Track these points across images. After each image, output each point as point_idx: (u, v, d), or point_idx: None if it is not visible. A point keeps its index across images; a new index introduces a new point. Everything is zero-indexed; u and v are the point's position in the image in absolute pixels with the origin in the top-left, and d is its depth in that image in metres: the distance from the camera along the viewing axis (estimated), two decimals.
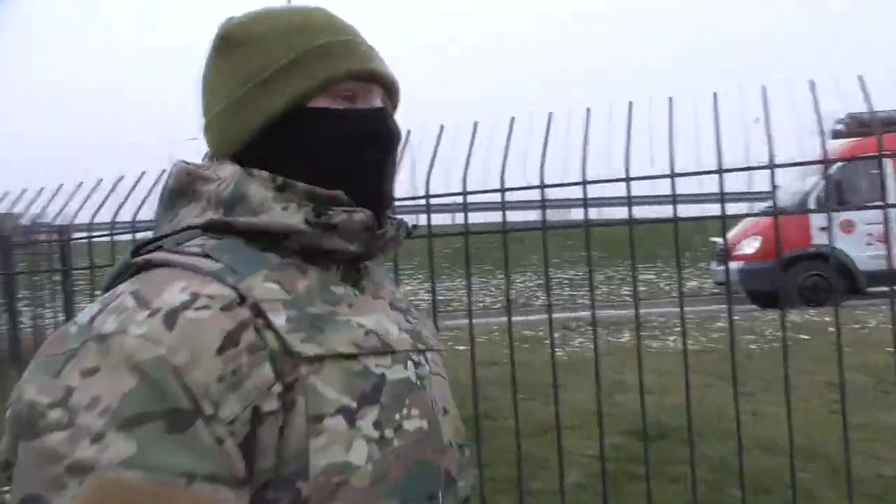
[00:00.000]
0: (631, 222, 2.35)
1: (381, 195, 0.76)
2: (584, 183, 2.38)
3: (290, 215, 0.70)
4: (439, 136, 2.52)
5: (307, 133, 0.73)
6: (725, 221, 2.49)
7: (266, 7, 0.79)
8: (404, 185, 2.69)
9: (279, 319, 0.64)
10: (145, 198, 2.91)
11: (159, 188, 0.87)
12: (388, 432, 0.67)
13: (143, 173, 2.94)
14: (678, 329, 8.00)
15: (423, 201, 2.58)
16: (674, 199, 2.35)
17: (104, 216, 3.14)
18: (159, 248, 0.69)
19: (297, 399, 0.63)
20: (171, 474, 0.56)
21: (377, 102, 0.76)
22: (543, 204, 2.55)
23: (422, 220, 2.45)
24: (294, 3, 0.82)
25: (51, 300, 6.29)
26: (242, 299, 0.64)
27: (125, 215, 3.04)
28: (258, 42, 0.75)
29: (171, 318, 0.60)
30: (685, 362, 2.33)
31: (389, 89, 0.79)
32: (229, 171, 0.72)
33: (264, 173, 0.72)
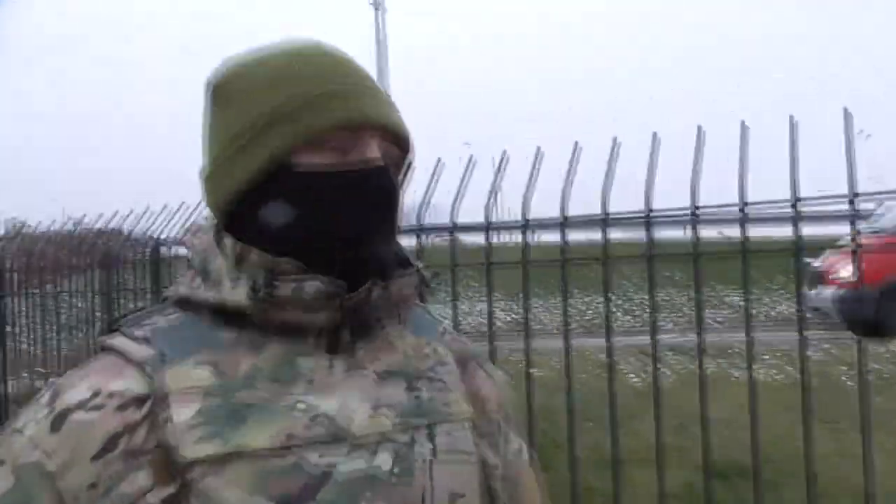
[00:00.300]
0: (696, 255, 2.26)
1: (365, 259, 0.69)
2: (649, 213, 2.30)
3: (235, 291, 0.66)
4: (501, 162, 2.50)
5: (285, 193, 0.68)
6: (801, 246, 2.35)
7: (259, 49, 0.74)
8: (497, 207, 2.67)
9: (184, 414, 0.61)
10: None
11: None
12: None
13: None
14: (765, 357, 7.61)
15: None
16: (742, 222, 2.23)
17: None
18: (128, 324, 0.69)
19: (202, 494, 0.59)
20: None
21: (370, 153, 0.69)
22: (649, 222, 2.41)
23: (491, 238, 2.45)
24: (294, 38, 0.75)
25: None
26: (149, 395, 0.63)
27: None
28: (243, 96, 0.70)
29: (59, 420, 0.61)
30: (750, 394, 2.18)
31: (395, 135, 0.72)
32: (203, 239, 0.71)
33: (230, 242, 0.69)
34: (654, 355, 2.46)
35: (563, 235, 2.50)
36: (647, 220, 2.38)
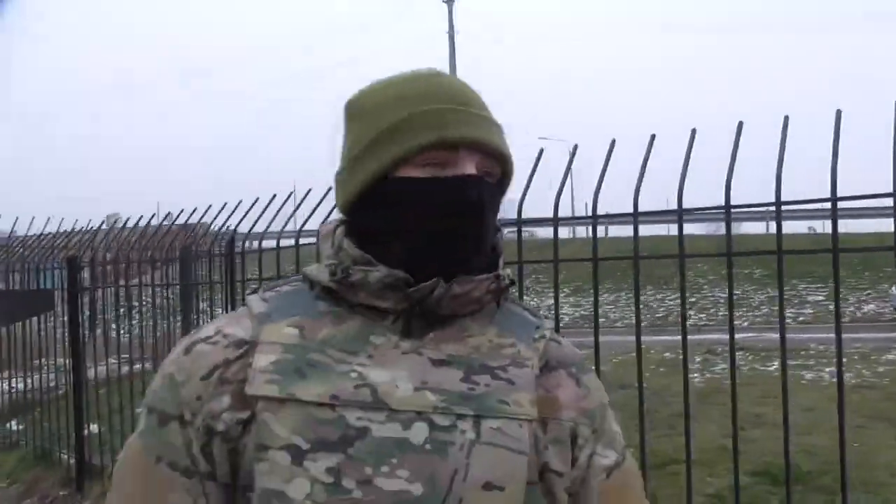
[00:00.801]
0: (780, 252, 2.11)
1: (453, 258, 0.78)
2: (728, 208, 2.25)
3: (322, 272, 0.81)
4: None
5: (382, 198, 0.80)
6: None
7: (389, 77, 0.85)
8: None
9: (262, 361, 0.76)
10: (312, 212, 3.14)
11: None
12: (348, 482, 0.71)
13: (310, 190, 3.16)
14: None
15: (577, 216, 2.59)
16: (834, 219, 2.05)
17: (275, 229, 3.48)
18: (266, 286, 0.88)
19: (251, 428, 0.74)
20: (150, 453, 0.78)
21: (468, 169, 0.77)
22: (728, 219, 2.27)
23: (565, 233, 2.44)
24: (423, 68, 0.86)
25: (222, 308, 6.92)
26: (248, 341, 0.78)
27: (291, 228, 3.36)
28: (366, 114, 0.82)
29: (190, 347, 0.80)
30: (839, 401, 1.95)
31: (495, 155, 0.80)
32: (324, 229, 0.87)
33: (338, 233, 0.83)
34: (732, 356, 2.34)
35: (636, 231, 2.39)
36: (727, 214, 2.24)
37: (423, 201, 0.77)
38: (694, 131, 2.26)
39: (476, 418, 0.75)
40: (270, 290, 0.84)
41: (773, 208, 2.12)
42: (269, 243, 3.55)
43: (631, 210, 2.40)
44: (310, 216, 3.19)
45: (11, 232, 6.31)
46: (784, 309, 2.17)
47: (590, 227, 2.54)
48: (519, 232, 2.58)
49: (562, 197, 2.55)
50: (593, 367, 0.97)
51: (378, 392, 0.74)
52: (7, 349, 5.81)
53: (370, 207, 0.80)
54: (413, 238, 0.78)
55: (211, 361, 0.78)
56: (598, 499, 0.81)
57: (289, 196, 3.55)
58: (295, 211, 3.37)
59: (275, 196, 3.54)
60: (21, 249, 6.07)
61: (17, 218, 5.55)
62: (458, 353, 0.78)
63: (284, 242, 3.45)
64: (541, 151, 2.61)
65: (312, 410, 0.73)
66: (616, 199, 2.68)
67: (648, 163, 2.33)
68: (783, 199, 2.07)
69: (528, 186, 2.56)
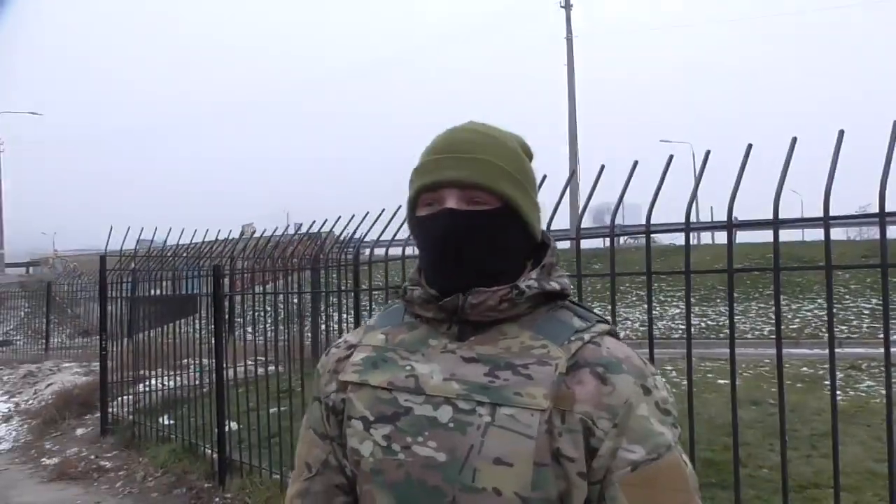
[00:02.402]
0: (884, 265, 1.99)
1: (458, 275, 0.97)
2: (884, 214, 2.10)
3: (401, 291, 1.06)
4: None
5: (414, 235, 1.05)
6: None
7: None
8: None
9: (357, 357, 1.03)
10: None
11: None
12: (395, 446, 0.94)
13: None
14: None
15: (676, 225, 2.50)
16: None
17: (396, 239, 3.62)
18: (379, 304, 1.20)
19: (346, 405, 1.02)
20: (307, 423, 1.09)
21: (447, 205, 0.97)
22: (883, 228, 2.11)
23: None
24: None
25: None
26: (355, 345, 1.06)
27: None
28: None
29: (328, 350, 1.12)
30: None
31: (481, 188, 0.97)
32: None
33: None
34: (888, 370, 2.08)
35: (776, 239, 2.26)
36: (882, 222, 2.05)
37: (422, 234, 1.01)
38: (842, 132, 2.10)
39: (493, 405, 0.90)
40: (384, 307, 1.11)
41: None
42: (395, 251, 3.68)
43: (770, 216, 2.26)
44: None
45: (164, 243, 6.91)
46: None
47: (707, 233, 2.44)
48: (648, 239, 2.52)
49: (682, 204, 2.46)
50: (653, 371, 0.97)
51: (419, 381, 0.96)
52: (159, 349, 6.36)
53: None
54: (426, 262, 1.03)
55: (333, 359, 1.07)
56: (623, 490, 0.88)
57: (398, 208, 3.67)
58: (404, 222, 3.46)
59: (400, 207, 3.67)
60: (172, 258, 6.64)
61: (170, 229, 6.08)
62: (488, 352, 0.95)
63: (408, 251, 3.58)
64: (670, 158, 2.52)
65: (377, 392, 0.98)
66: (748, 205, 2.53)
67: (793, 166, 2.20)
68: None
69: (657, 193, 2.47)
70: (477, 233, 0.96)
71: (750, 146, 2.31)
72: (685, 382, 2.62)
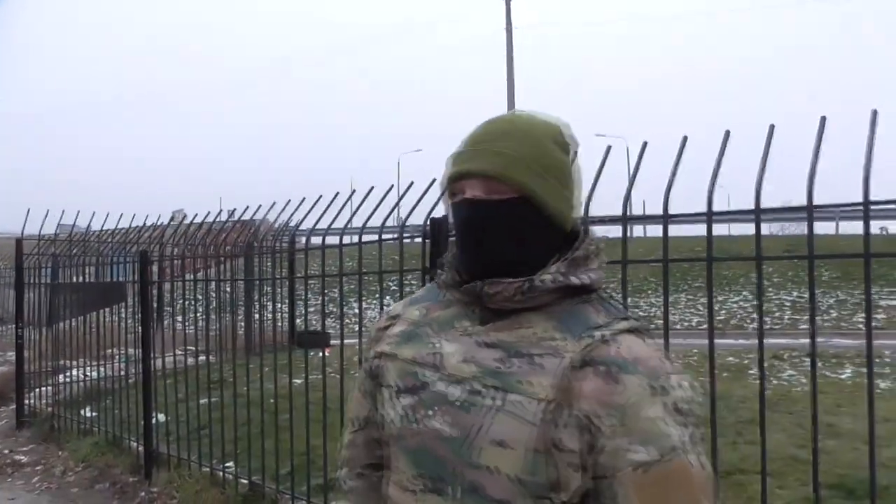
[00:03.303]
0: (868, 255, 2.03)
1: (477, 262, 1.01)
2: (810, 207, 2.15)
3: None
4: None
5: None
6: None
7: None
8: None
9: (396, 329, 1.11)
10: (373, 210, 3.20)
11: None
12: (414, 416, 1.02)
13: (372, 188, 3.24)
14: None
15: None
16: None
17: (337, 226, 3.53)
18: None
19: (380, 372, 1.10)
20: (357, 382, 1.20)
21: (469, 194, 1.01)
22: (811, 220, 2.14)
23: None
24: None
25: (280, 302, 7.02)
26: (397, 316, 1.14)
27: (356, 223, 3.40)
28: None
29: (375, 321, 1.21)
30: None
31: (498, 178, 0.99)
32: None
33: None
34: (813, 360, 2.14)
35: (710, 231, 2.29)
36: (809, 215, 2.10)
37: (453, 220, 1.06)
38: (772, 127, 2.13)
39: (503, 391, 0.94)
40: (428, 283, 1.24)
41: (859, 209, 1.98)
42: (332, 240, 3.59)
43: (704, 209, 2.29)
44: (370, 215, 3.22)
45: (87, 227, 6.58)
46: (872, 315, 2.03)
47: (637, 227, 2.46)
48: (624, 228, 2.51)
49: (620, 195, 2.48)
50: (673, 371, 0.94)
51: (441, 359, 1.02)
52: (81, 338, 6.07)
53: None
54: (456, 247, 1.07)
55: (377, 327, 1.16)
56: (627, 489, 0.89)
57: (351, 195, 3.58)
58: (356, 211, 3.40)
59: (338, 194, 3.58)
60: (96, 244, 6.34)
61: (93, 213, 5.79)
62: (505, 339, 0.98)
63: (345, 239, 3.50)
64: (608, 149, 2.53)
65: (405, 365, 1.05)
66: (677, 198, 2.57)
67: (723, 161, 2.22)
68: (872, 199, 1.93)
69: (594, 187, 2.48)
70: (491, 221, 0.99)
71: (685, 138, 2.33)
72: None
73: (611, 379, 0.91)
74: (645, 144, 2.49)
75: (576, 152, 1.04)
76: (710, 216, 2.30)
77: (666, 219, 2.38)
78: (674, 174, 2.32)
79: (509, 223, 0.98)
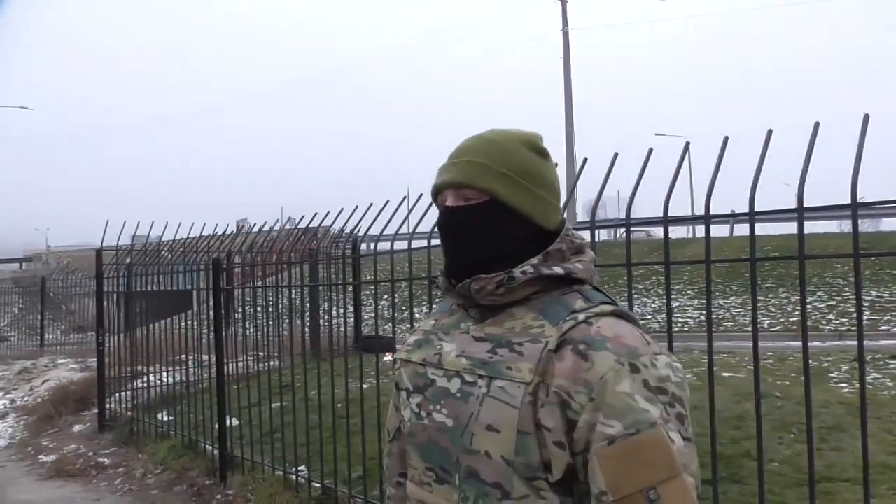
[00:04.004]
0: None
1: (456, 264, 1.11)
2: (855, 204, 2.05)
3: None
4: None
5: None
6: None
7: None
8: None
9: (412, 339, 1.21)
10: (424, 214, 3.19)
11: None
12: (422, 413, 1.11)
13: (422, 195, 3.23)
14: None
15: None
16: None
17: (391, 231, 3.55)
18: None
19: (400, 377, 1.19)
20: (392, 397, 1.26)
21: (447, 202, 1.11)
22: (855, 217, 2.10)
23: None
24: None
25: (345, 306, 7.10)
26: (417, 329, 1.23)
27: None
28: None
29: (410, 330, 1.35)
30: None
31: (469, 186, 1.08)
32: None
33: None
34: (860, 358, 2.17)
35: (752, 230, 2.27)
36: (854, 212, 2.06)
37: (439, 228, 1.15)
38: (817, 124, 2.09)
39: (489, 378, 1.01)
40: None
41: None
42: (400, 245, 3.60)
43: (746, 210, 2.25)
44: (421, 219, 3.21)
45: (160, 238, 6.81)
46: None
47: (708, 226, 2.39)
48: (628, 232, 2.54)
49: (683, 196, 2.44)
50: (653, 351, 0.97)
51: (441, 357, 1.10)
52: (156, 344, 6.28)
53: None
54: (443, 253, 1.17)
55: (402, 342, 1.25)
56: (599, 462, 0.92)
57: (402, 200, 3.59)
58: (408, 215, 3.41)
59: (388, 202, 3.59)
60: (167, 253, 6.55)
61: (166, 223, 5.99)
62: (494, 332, 1.05)
63: (414, 244, 3.50)
64: (650, 151, 2.51)
65: (416, 367, 1.15)
66: (737, 198, 2.50)
67: (766, 159, 2.17)
68: None
69: (637, 186, 2.47)
70: (464, 224, 1.09)
71: (726, 139, 2.31)
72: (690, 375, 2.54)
73: (582, 356, 0.96)
74: (688, 145, 2.48)
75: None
76: (752, 215, 2.25)
77: (708, 219, 2.39)
78: (715, 174, 2.30)
79: (480, 225, 1.07)
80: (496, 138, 1.11)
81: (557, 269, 1.05)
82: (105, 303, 7.06)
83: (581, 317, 0.99)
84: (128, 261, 6.94)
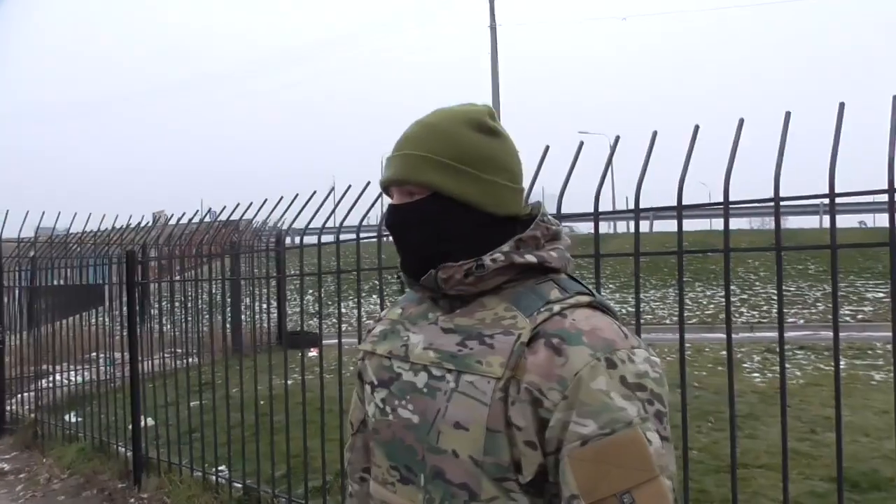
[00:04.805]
0: (834, 246, 2.01)
1: (409, 261, 1.05)
2: (777, 200, 2.11)
3: None
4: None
5: None
6: None
7: None
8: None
9: (377, 329, 1.15)
10: (350, 208, 3.11)
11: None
12: (387, 408, 1.05)
13: (350, 186, 3.15)
14: None
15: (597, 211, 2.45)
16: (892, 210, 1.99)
17: (316, 224, 3.44)
18: None
19: (364, 369, 1.14)
20: (355, 388, 1.23)
21: (393, 200, 1.06)
22: (778, 212, 2.15)
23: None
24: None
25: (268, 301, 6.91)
26: (381, 318, 1.19)
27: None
28: None
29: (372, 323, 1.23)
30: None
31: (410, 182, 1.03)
32: None
33: None
34: (781, 351, 2.24)
35: (680, 225, 2.29)
36: (776, 207, 2.11)
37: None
38: (741, 121, 2.13)
39: (458, 373, 0.95)
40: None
41: (826, 201, 2.00)
42: (312, 239, 3.50)
43: (674, 203, 2.28)
44: (348, 213, 3.14)
45: (68, 230, 6.42)
46: (838, 306, 2.04)
47: (633, 222, 2.42)
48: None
49: (604, 191, 2.46)
50: (631, 345, 0.91)
51: (408, 349, 1.04)
52: (63, 342, 5.91)
53: None
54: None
55: (366, 332, 1.20)
56: (570, 464, 0.85)
57: (329, 192, 3.50)
58: (335, 208, 3.32)
59: (315, 193, 3.48)
60: (76, 246, 6.18)
61: (75, 214, 5.63)
62: (464, 324, 0.99)
63: (330, 238, 3.40)
64: (580, 145, 2.52)
65: (381, 360, 1.09)
66: (662, 193, 2.56)
67: (693, 155, 2.22)
68: (837, 191, 1.95)
69: (566, 182, 2.48)
70: (408, 223, 1.03)
71: (655, 133, 2.34)
72: None
73: (555, 350, 0.89)
74: (618, 139, 2.52)
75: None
76: (680, 209, 2.28)
77: (637, 213, 2.39)
78: (644, 169, 2.34)
79: (424, 221, 1.01)
80: (437, 122, 1.03)
81: (530, 258, 0.98)
82: (5, 298, 6.60)
83: (556, 308, 0.93)
84: (31, 254, 6.50)
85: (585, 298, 0.95)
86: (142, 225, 5.41)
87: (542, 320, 0.92)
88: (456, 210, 0.99)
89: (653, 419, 0.87)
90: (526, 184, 1.10)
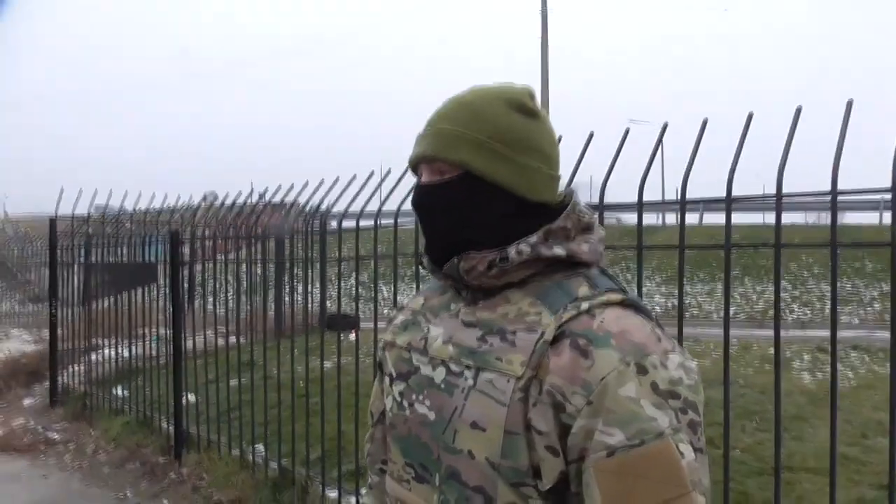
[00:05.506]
0: (894, 243, 1.90)
1: (434, 246, 1.01)
2: (835, 193, 2.00)
3: None
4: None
5: None
6: None
7: None
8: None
9: (399, 319, 1.11)
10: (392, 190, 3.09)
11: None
12: (404, 402, 1.02)
13: (389, 170, 3.12)
14: None
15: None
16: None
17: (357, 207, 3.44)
18: None
19: (384, 360, 1.11)
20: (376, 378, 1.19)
21: (422, 179, 1.01)
22: (834, 206, 2.02)
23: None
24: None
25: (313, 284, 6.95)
26: (404, 307, 1.13)
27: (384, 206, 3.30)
28: None
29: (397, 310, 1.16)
30: None
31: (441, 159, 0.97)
32: None
33: None
34: (833, 352, 2.13)
35: (729, 217, 2.18)
36: (833, 201, 1.99)
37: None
38: (799, 109, 2.01)
39: (477, 369, 0.90)
40: None
41: (886, 196, 1.89)
42: (366, 222, 3.49)
43: (724, 195, 2.17)
44: (388, 195, 3.11)
45: (120, 207, 6.58)
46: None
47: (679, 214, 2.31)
48: (601, 217, 2.47)
49: (654, 182, 2.37)
50: (665, 349, 0.85)
51: (427, 342, 1.01)
52: (114, 318, 6.08)
53: None
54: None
55: (390, 320, 1.14)
56: (596, 476, 0.80)
57: (369, 176, 3.48)
58: (375, 190, 3.30)
59: (354, 176, 3.47)
60: (129, 224, 6.33)
61: (125, 193, 5.77)
62: (486, 318, 0.94)
63: (381, 221, 3.38)
64: (626, 132, 2.41)
65: (401, 352, 1.05)
66: (716, 184, 2.44)
67: (745, 144, 2.10)
68: None
69: (610, 170, 2.38)
70: (437, 204, 0.98)
71: (705, 121, 2.22)
72: None
73: (581, 352, 0.84)
74: (665, 126, 2.39)
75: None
76: (728, 201, 2.16)
77: (683, 204, 2.29)
78: (692, 159, 2.22)
79: (454, 203, 0.95)
80: (473, 99, 0.97)
81: (558, 250, 0.92)
82: (60, 273, 6.82)
83: (584, 306, 0.87)
84: (87, 230, 6.69)
85: (617, 296, 0.89)
86: (192, 205, 5.51)
87: (568, 318, 0.87)
88: (487, 193, 0.94)
89: (686, 430, 0.81)
90: (568, 171, 1.05)
